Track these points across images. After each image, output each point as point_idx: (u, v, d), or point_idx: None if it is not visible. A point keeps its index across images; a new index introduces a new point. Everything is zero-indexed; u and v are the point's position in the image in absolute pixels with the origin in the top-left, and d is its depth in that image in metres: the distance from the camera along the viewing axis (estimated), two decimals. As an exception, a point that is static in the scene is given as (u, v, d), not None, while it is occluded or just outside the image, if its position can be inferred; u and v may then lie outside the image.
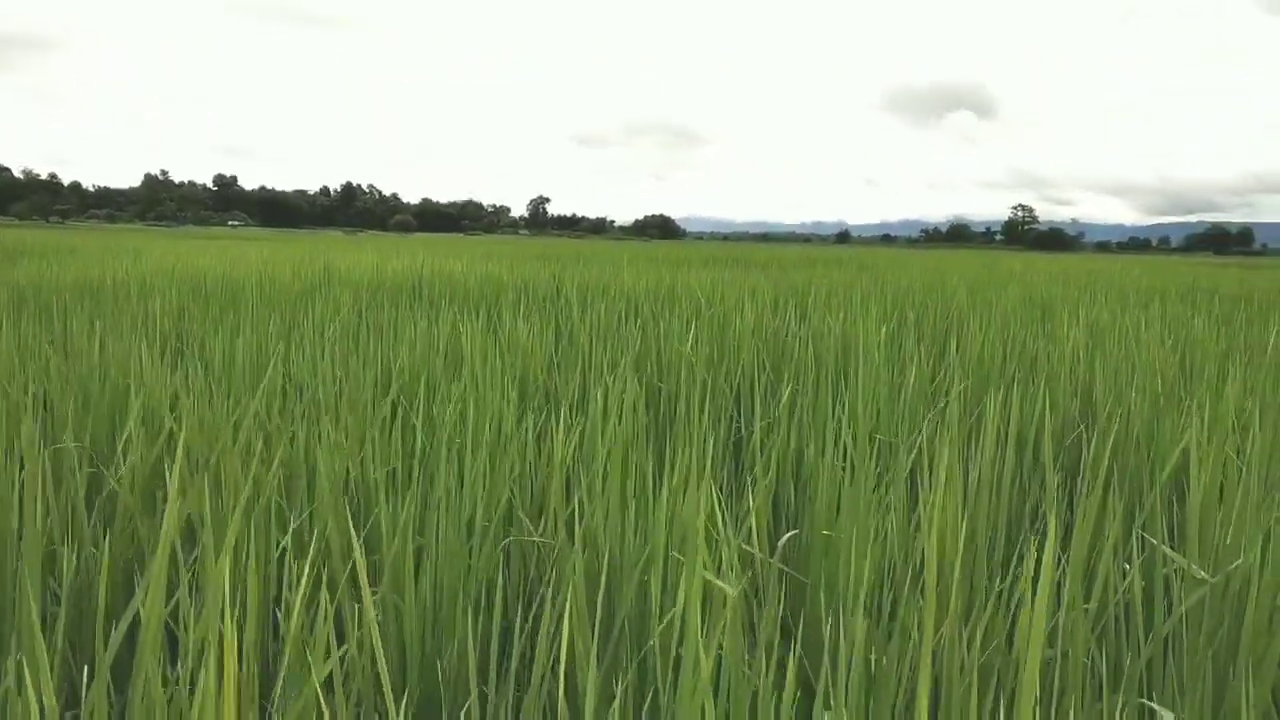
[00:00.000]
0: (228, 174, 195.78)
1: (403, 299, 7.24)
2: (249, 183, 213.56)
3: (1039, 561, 1.47)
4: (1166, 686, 1.80)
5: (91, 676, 1.47)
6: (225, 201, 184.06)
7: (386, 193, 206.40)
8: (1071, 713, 1.53)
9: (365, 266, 11.30)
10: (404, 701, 1.48)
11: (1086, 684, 1.73)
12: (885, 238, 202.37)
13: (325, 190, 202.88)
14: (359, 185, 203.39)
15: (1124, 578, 1.97)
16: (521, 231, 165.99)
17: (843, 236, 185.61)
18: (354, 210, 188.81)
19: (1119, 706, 1.59)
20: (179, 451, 1.33)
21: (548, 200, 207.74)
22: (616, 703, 1.53)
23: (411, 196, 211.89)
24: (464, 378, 3.35)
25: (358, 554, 1.58)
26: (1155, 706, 1.75)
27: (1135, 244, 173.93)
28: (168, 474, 2.27)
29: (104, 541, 1.72)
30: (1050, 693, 1.71)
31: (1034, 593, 1.37)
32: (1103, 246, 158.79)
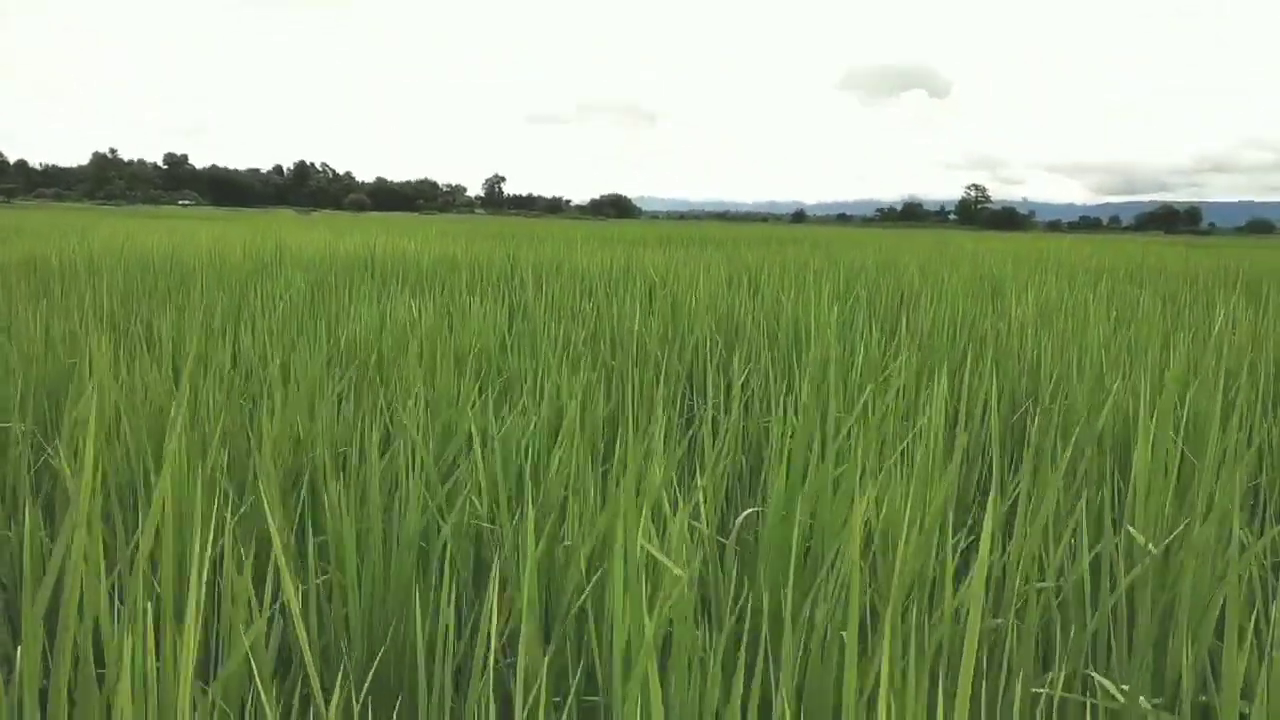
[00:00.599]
0: (178, 152, 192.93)
1: (355, 278, 7.17)
2: (200, 161, 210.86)
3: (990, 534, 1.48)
4: (1105, 655, 1.82)
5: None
6: (176, 180, 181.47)
7: (340, 171, 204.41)
8: (1019, 686, 1.55)
9: (317, 246, 11.19)
10: (340, 683, 1.47)
11: (1035, 656, 1.75)
12: (841, 217, 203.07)
13: (278, 169, 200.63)
14: (312, 164, 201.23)
15: (1072, 551, 2.00)
16: (477, 211, 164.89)
17: (799, 216, 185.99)
18: (307, 189, 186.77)
19: (1060, 677, 1.61)
20: (91, 413, 1.31)
21: (503, 179, 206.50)
22: (572, 688, 1.53)
23: (366, 175, 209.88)
24: (415, 357, 3.33)
25: (276, 538, 1.57)
26: (1095, 675, 1.78)
27: (1086, 223, 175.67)
28: (106, 448, 2.25)
29: (34, 515, 1.69)
30: (998, 665, 1.73)
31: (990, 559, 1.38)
32: (1054, 226, 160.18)
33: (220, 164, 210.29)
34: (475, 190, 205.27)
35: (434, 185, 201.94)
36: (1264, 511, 2.71)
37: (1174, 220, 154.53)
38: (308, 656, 1.48)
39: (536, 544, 1.91)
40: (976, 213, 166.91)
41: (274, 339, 3.74)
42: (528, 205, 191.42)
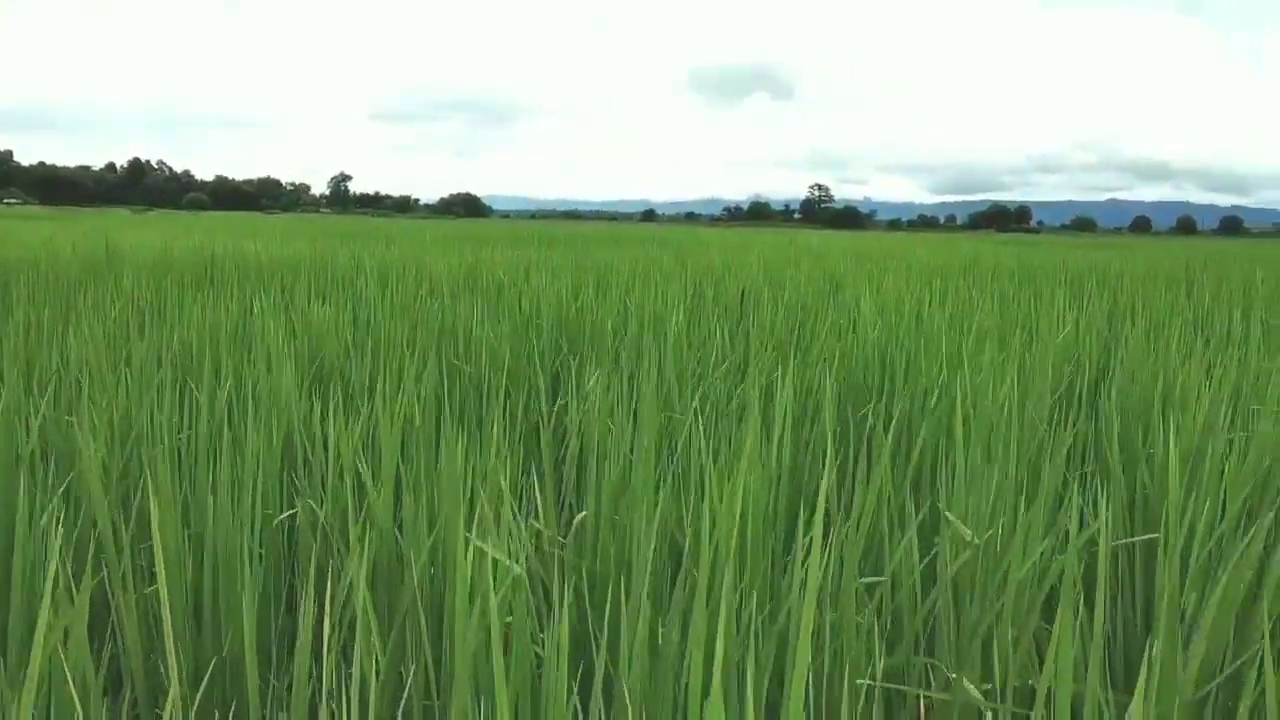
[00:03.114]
0: (1, 148, 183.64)
1: (190, 280, 6.95)
2: (26, 158, 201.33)
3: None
4: (943, 645, 1.89)
5: None
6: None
7: (178, 169, 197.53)
8: (846, 673, 1.59)
9: (153, 246, 10.81)
10: (173, 692, 1.42)
11: (867, 647, 1.80)
12: (689, 215, 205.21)
13: (111, 166, 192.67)
14: (148, 161, 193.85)
15: (903, 544, 2.05)
16: (323, 210, 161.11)
17: (648, 214, 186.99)
18: (143, 187, 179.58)
19: (882, 667, 1.66)
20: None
21: (350, 178, 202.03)
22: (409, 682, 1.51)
23: (205, 174, 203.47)
24: (252, 359, 3.25)
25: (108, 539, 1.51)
26: (932, 661, 1.84)
27: (924, 221, 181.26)
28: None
29: None
30: (833, 657, 1.78)
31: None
32: (894, 224, 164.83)
33: (49, 161, 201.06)
34: (321, 189, 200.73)
35: (277, 184, 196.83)
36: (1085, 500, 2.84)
37: (1006, 218, 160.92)
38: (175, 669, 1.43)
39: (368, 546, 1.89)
40: (820, 212, 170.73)
41: (104, 343, 3.60)
42: (375, 204, 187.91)
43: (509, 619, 1.56)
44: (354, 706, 1.43)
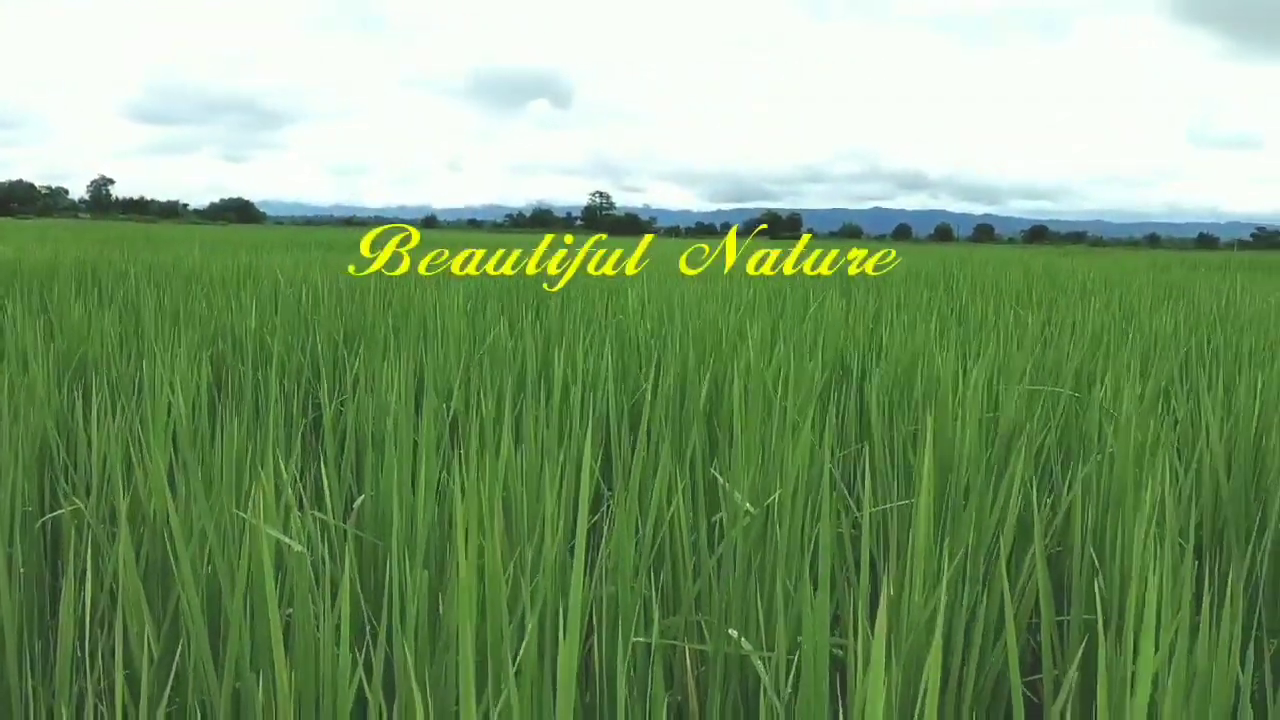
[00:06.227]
0: None
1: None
2: None
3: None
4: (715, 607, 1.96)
5: None
6: None
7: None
8: (620, 639, 1.64)
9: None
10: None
11: (644, 612, 1.85)
12: (471, 222, 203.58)
13: None
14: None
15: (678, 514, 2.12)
16: (82, 215, 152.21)
17: (429, 221, 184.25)
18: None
19: (657, 629, 1.72)
20: None
21: (112, 181, 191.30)
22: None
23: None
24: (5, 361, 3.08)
25: None
26: (706, 619, 1.91)
27: (702, 229, 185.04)
28: None
29: None
30: (611, 623, 1.82)
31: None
32: (673, 231, 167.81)
33: None
34: (80, 193, 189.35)
35: (31, 187, 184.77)
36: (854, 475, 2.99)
37: (778, 226, 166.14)
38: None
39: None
40: (602, 218, 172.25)
41: None
42: (141, 209, 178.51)
43: (289, 610, 1.55)
44: (122, 697, 1.39)
